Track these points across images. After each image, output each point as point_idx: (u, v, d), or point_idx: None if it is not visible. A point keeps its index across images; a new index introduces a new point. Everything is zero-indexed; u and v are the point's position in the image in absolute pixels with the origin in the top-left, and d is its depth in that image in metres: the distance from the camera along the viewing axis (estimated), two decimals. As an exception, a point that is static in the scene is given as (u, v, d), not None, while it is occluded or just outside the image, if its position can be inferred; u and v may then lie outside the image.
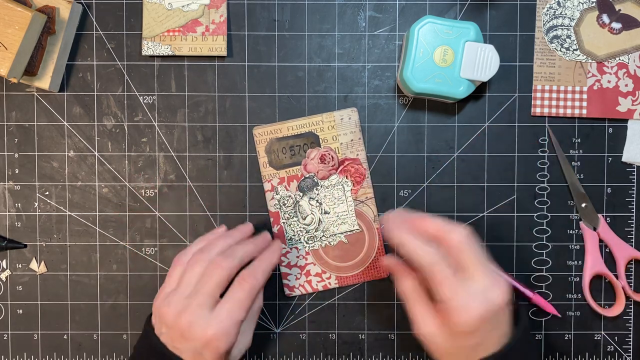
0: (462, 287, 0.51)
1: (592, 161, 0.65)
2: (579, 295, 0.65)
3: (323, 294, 0.65)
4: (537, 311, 0.65)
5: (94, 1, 0.64)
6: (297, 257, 0.64)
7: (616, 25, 0.63)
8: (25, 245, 0.65)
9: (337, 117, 0.64)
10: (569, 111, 0.64)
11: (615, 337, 0.65)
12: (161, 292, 0.56)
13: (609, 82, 0.64)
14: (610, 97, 0.64)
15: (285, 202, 0.64)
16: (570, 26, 0.64)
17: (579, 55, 0.64)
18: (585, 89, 0.64)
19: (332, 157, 0.64)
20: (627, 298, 0.65)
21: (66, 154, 0.65)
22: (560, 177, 0.65)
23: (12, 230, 0.65)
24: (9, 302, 0.65)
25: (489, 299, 0.51)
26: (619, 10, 0.63)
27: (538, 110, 0.64)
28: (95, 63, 0.64)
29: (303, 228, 0.64)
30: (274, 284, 0.65)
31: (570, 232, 0.65)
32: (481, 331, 0.51)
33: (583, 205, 0.64)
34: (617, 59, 0.64)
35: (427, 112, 0.65)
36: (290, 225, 0.64)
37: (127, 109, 0.65)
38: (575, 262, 0.65)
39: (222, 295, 0.54)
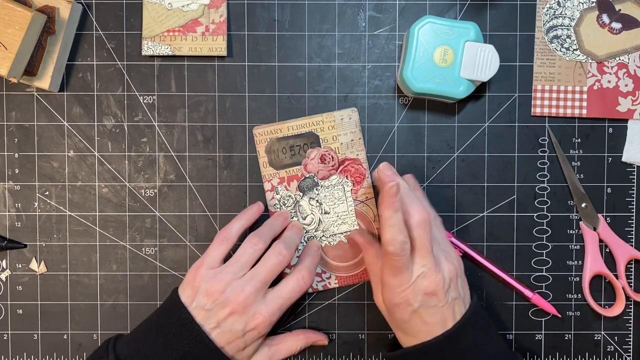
0: (402, 273, 0.55)
1: (592, 161, 0.65)
2: (579, 295, 0.65)
3: (323, 294, 0.65)
4: (537, 311, 0.65)
5: (94, 1, 0.64)
6: (297, 257, 0.64)
7: (616, 25, 0.63)
8: (25, 245, 0.65)
9: (337, 117, 0.64)
10: (569, 111, 0.64)
11: (615, 337, 0.65)
12: (202, 266, 0.57)
13: (609, 82, 0.64)
14: (610, 97, 0.64)
15: (285, 202, 0.64)
16: (570, 26, 0.64)
17: (579, 55, 0.64)
18: (585, 89, 0.64)
19: (332, 157, 0.64)
20: (627, 298, 0.65)
21: (66, 154, 0.65)
22: (560, 177, 0.65)
23: (12, 230, 0.65)
24: (9, 302, 0.65)
25: (417, 285, 0.55)
26: (619, 10, 0.63)
27: (538, 110, 0.64)
28: (95, 63, 0.64)
29: (303, 228, 0.64)
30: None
31: (570, 232, 0.65)
32: (410, 316, 0.55)
33: (583, 205, 0.64)
34: (617, 59, 0.64)
35: (427, 112, 0.65)
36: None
37: (127, 109, 0.65)
38: (575, 262, 0.65)
39: None
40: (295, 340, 0.61)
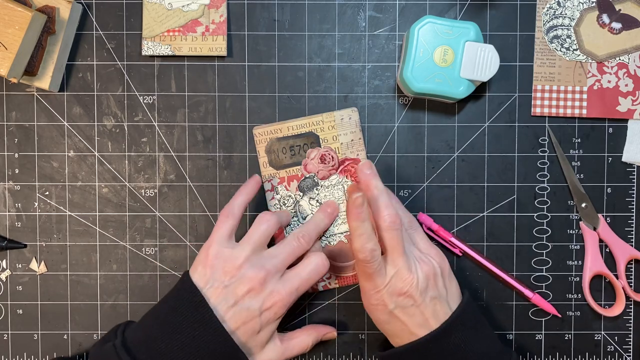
0: (376, 278, 0.55)
1: (592, 161, 0.65)
2: (579, 295, 0.65)
3: (323, 294, 0.65)
4: (537, 311, 0.65)
5: (94, 1, 0.64)
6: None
7: (616, 25, 0.63)
8: (25, 245, 0.65)
9: (337, 117, 0.64)
10: (569, 111, 0.64)
11: (616, 337, 0.65)
12: (212, 244, 0.57)
13: (609, 82, 0.64)
14: (610, 97, 0.64)
15: (286, 202, 0.64)
16: (570, 26, 0.64)
17: (579, 55, 0.64)
18: (585, 89, 0.64)
19: (333, 157, 0.64)
20: (627, 298, 0.65)
21: (66, 154, 0.65)
22: (560, 177, 0.65)
23: (12, 230, 0.65)
24: (9, 302, 0.65)
25: (391, 286, 0.55)
26: (619, 10, 0.63)
27: (538, 110, 0.64)
28: (95, 63, 0.64)
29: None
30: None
31: (570, 232, 0.65)
32: (388, 317, 0.56)
33: (583, 205, 0.64)
34: (617, 59, 0.64)
35: (427, 112, 0.65)
36: (290, 225, 0.64)
37: (127, 109, 0.65)
38: (575, 262, 0.65)
39: None
40: (307, 335, 0.61)
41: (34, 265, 0.65)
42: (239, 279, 0.55)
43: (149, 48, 0.63)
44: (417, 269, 0.56)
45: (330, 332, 0.63)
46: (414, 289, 0.55)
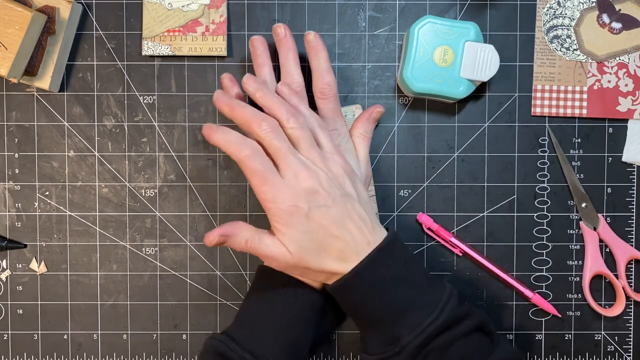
0: (269, 177, 0.53)
1: (592, 161, 0.65)
2: (579, 295, 0.65)
3: (323, 294, 0.65)
4: (537, 311, 0.65)
5: (94, 1, 0.64)
6: None
7: (616, 25, 0.63)
8: (25, 245, 0.65)
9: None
10: (569, 111, 0.64)
11: (616, 337, 0.65)
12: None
13: (609, 82, 0.64)
14: (610, 97, 0.64)
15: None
16: (570, 26, 0.64)
17: (579, 55, 0.64)
18: (585, 88, 0.64)
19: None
20: (627, 298, 0.65)
21: (66, 154, 0.65)
22: (560, 177, 0.65)
23: (12, 230, 0.65)
24: (9, 302, 0.65)
25: (293, 186, 0.53)
26: (619, 10, 0.63)
27: (538, 110, 0.64)
28: (95, 63, 0.64)
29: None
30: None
31: (570, 232, 0.65)
32: (309, 224, 0.53)
33: (583, 205, 0.64)
34: (617, 58, 0.64)
35: (427, 112, 0.65)
36: None
37: (127, 109, 0.65)
38: (575, 262, 0.65)
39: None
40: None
41: (34, 265, 0.65)
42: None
43: (149, 48, 0.63)
44: (316, 166, 0.54)
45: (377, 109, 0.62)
46: (318, 184, 0.53)
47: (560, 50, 0.64)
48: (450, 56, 0.60)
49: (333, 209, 0.54)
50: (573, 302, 0.65)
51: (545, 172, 0.65)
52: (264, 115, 0.54)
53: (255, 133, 0.54)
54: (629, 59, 0.63)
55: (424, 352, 0.52)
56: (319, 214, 0.53)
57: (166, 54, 0.63)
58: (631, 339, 0.65)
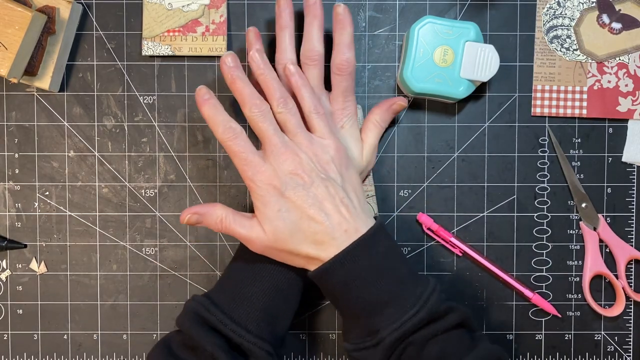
0: (249, 157, 0.55)
1: (592, 161, 0.65)
2: (579, 295, 0.65)
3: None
4: (537, 311, 0.65)
5: (94, 1, 0.64)
6: None
7: (616, 25, 0.63)
8: (25, 245, 0.65)
9: (337, 117, 0.64)
10: (569, 111, 0.64)
11: (616, 337, 0.65)
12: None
13: (609, 82, 0.64)
14: (610, 97, 0.64)
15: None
16: (570, 26, 0.64)
17: (579, 55, 0.64)
18: (585, 89, 0.64)
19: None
20: (627, 298, 0.65)
21: (66, 154, 0.65)
22: (560, 177, 0.65)
23: (12, 230, 0.65)
24: (9, 302, 0.65)
25: (273, 166, 0.54)
26: (619, 10, 0.63)
27: (538, 110, 0.64)
28: (95, 63, 0.65)
29: None
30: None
31: (570, 232, 0.65)
32: (284, 205, 0.54)
33: (583, 205, 0.64)
34: (617, 59, 0.64)
35: (427, 112, 0.65)
36: None
37: (127, 109, 0.65)
38: (575, 262, 0.65)
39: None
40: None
41: (34, 265, 0.65)
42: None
43: (149, 48, 0.63)
44: (299, 148, 0.55)
45: (399, 101, 0.62)
46: (298, 165, 0.54)
47: (560, 50, 0.64)
48: (450, 56, 0.60)
49: (312, 190, 0.54)
50: (573, 302, 0.65)
51: (545, 172, 0.65)
52: (257, 99, 0.55)
53: (245, 114, 0.55)
54: (629, 59, 0.63)
55: (402, 346, 0.52)
56: (295, 194, 0.54)
57: (166, 54, 0.63)
58: (631, 339, 0.65)
